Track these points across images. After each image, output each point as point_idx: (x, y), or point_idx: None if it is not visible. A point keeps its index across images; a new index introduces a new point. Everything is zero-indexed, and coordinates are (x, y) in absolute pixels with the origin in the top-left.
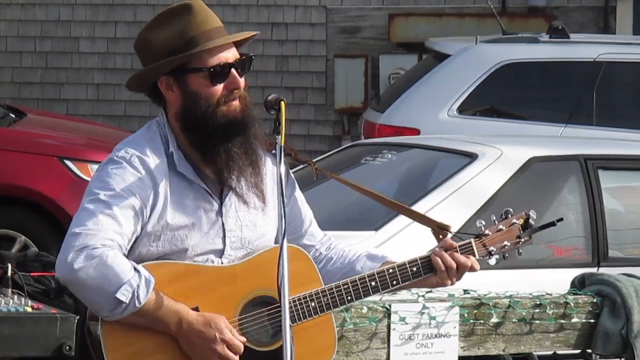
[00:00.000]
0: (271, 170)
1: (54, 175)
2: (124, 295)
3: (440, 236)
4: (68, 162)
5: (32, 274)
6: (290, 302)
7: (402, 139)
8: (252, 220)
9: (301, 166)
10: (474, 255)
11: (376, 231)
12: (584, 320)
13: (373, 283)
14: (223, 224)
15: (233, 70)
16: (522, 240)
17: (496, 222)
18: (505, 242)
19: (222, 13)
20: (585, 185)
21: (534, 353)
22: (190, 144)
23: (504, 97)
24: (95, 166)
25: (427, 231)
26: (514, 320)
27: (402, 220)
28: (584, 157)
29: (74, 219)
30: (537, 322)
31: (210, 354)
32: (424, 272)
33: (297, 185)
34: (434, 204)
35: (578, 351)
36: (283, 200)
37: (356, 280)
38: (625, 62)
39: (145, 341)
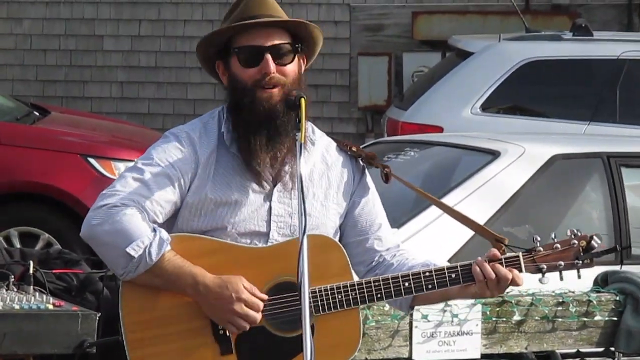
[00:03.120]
0: (341, 167)
1: (77, 173)
2: (134, 250)
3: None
4: (91, 160)
5: (54, 271)
6: (316, 292)
7: (425, 137)
8: (306, 210)
9: None
10: (520, 270)
11: (398, 228)
12: (606, 318)
13: (406, 284)
14: (270, 208)
15: (267, 55)
16: (581, 262)
17: (554, 240)
18: (560, 262)
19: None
20: (607, 182)
21: (557, 351)
22: (236, 128)
23: (527, 94)
24: (119, 164)
25: (448, 229)
26: (536, 318)
27: (424, 217)
28: (606, 155)
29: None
30: (560, 320)
31: (229, 314)
32: (463, 280)
33: (372, 189)
34: (456, 201)
35: (601, 349)
36: (303, 197)
37: (389, 279)
38: None
39: (161, 310)
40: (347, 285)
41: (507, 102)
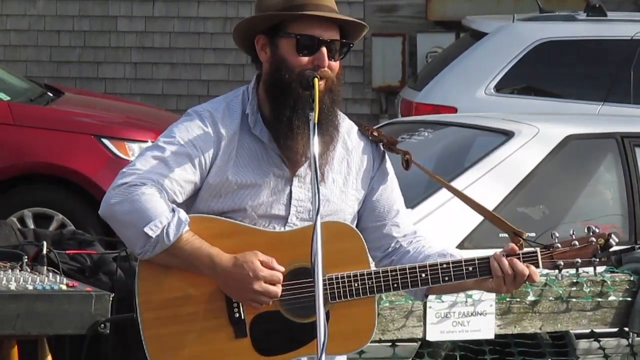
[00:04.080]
0: (361, 152)
1: (91, 154)
2: (152, 230)
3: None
4: (105, 141)
5: (67, 251)
6: (332, 279)
7: (439, 117)
8: (325, 195)
9: None
10: (538, 266)
11: (412, 209)
12: (620, 299)
13: (423, 275)
14: (291, 192)
15: (323, 48)
16: (598, 260)
17: (573, 236)
18: (577, 259)
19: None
20: (622, 163)
21: (571, 331)
22: (270, 108)
23: (541, 75)
24: (133, 144)
25: (461, 211)
26: (550, 298)
27: (437, 198)
28: (620, 135)
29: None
30: (574, 300)
31: (249, 293)
32: (480, 274)
33: (391, 174)
34: (470, 181)
35: (615, 329)
36: (317, 179)
37: (406, 269)
38: None
39: (177, 291)
40: (363, 274)
41: (521, 83)
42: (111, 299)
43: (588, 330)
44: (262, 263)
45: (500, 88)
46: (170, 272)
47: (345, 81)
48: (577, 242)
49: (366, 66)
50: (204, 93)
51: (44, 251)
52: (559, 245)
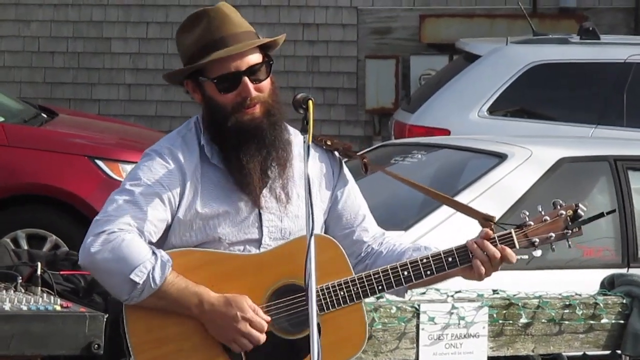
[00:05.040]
0: (318, 161)
1: (85, 175)
2: (137, 276)
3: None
4: (99, 162)
5: (61, 272)
6: (318, 291)
7: (432, 139)
8: (293, 212)
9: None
10: (515, 247)
11: (405, 231)
12: (613, 321)
13: (405, 273)
14: (260, 214)
15: (245, 78)
16: (570, 231)
17: (542, 213)
18: (551, 234)
19: (253, 14)
20: (615, 186)
21: (564, 354)
22: (217, 145)
23: (534, 98)
24: (127, 166)
25: (455, 232)
26: (543, 320)
27: (431, 220)
28: (613, 158)
29: (101, 209)
30: (567, 322)
31: (233, 333)
32: (461, 262)
33: (351, 180)
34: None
35: (607, 352)
36: (310, 199)
37: (387, 270)
38: None
39: (169, 327)
40: (347, 281)
41: (514, 105)
42: (105, 319)
43: (581, 353)
44: (250, 307)
45: (493, 110)
46: (158, 311)
47: (339, 103)
48: (547, 217)
49: (359, 88)
50: (197, 114)
51: (39, 272)
52: (532, 223)
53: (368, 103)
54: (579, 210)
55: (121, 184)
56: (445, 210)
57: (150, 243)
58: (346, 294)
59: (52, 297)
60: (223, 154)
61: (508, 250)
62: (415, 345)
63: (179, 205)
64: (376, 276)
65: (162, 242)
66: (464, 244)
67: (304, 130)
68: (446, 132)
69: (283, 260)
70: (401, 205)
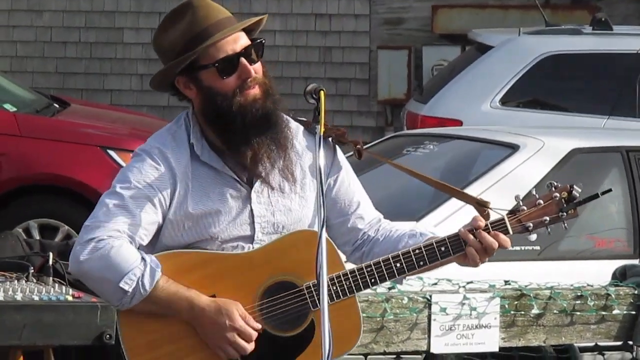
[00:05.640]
0: (311, 152)
1: (96, 165)
2: (127, 284)
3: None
4: (111, 152)
5: None
6: (310, 287)
7: (444, 130)
8: (286, 205)
9: (350, 153)
10: (507, 232)
11: (417, 222)
12: (625, 312)
13: (398, 265)
14: (252, 210)
15: (242, 59)
16: (565, 213)
17: (536, 196)
18: (545, 217)
19: (266, 5)
20: (627, 176)
21: (575, 344)
22: (216, 135)
23: (546, 88)
24: None
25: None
26: (554, 311)
27: (443, 211)
28: (626, 149)
29: (91, 213)
30: (578, 313)
31: (221, 341)
32: (454, 252)
33: (345, 167)
34: (475, 194)
35: (619, 343)
36: (322, 190)
37: (380, 263)
38: None
39: (161, 330)
40: (340, 276)
41: (527, 96)
42: (116, 309)
43: (592, 344)
44: (240, 316)
45: (505, 101)
46: (150, 314)
47: (351, 93)
48: (541, 201)
49: (372, 79)
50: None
51: (50, 262)
52: (525, 208)
53: (380, 94)
54: (574, 192)
55: (111, 186)
56: (455, 202)
57: (140, 246)
58: (339, 289)
59: (63, 287)
60: (221, 144)
61: (502, 236)
62: (426, 335)
63: (169, 206)
64: (368, 269)
65: (153, 243)
66: (456, 233)
67: (315, 121)
68: (458, 123)
69: (274, 257)
70: (413, 195)
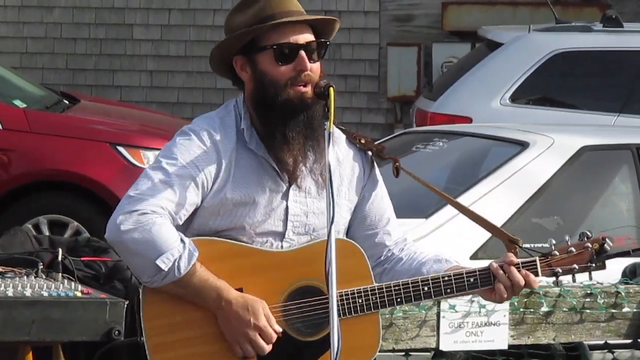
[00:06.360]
0: (351, 161)
1: (106, 162)
2: (164, 263)
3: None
4: (120, 149)
5: (82, 258)
6: (337, 296)
7: (454, 127)
8: (319, 208)
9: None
10: (537, 274)
11: (426, 219)
12: (635, 310)
13: (426, 288)
14: (287, 207)
15: (302, 52)
16: (594, 265)
17: (568, 242)
18: (575, 265)
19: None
20: (637, 174)
21: (585, 342)
22: (260, 123)
23: (556, 86)
24: (148, 152)
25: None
26: (564, 309)
27: (451, 208)
28: (636, 146)
29: (133, 183)
30: (588, 311)
31: (241, 337)
32: (482, 285)
33: (380, 182)
34: (484, 192)
35: (629, 341)
36: (331, 188)
37: (409, 283)
38: None
39: (181, 315)
40: (367, 290)
41: (537, 93)
42: (126, 306)
43: (602, 342)
44: (265, 315)
45: (515, 98)
46: (174, 297)
47: (360, 90)
48: (573, 249)
49: (381, 76)
50: (219, 101)
51: (59, 258)
52: (557, 253)
53: (390, 91)
54: (605, 245)
55: (157, 158)
56: (465, 199)
57: (177, 226)
58: (364, 303)
59: (72, 283)
60: (266, 133)
61: (532, 277)
62: (435, 333)
63: (210, 189)
64: (396, 288)
65: (187, 224)
66: (487, 267)
67: (325, 118)
68: (468, 120)
69: (307, 260)
70: (422, 193)
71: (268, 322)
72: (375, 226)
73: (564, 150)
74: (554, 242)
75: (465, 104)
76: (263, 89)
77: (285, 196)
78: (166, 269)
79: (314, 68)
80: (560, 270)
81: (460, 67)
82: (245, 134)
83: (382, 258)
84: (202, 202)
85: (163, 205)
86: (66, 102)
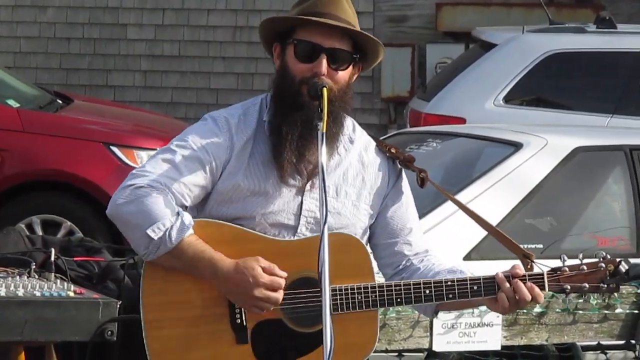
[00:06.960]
0: (377, 169)
1: (99, 161)
2: (154, 232)
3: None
4: (114, 148)
5: (75, 258)
6: (336, 290)
7: (448, 128)
8: (336, 208)
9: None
10: (543, 288)
11: (420, 219)
12: (627, 311)
13: (427, 291)
14: (302, 203)
15: (323, 55)
16: (606, 286)
17: (581, 261)
18: (585, 284)
19: (270, 2)
20: (630, 175)
21: (578, 343)
22: (280, 118)
23: (550, 87)
24: (142, 152)
25: (469, 222)
26: (557, 310)
27: (446, 208)
28: (629, 148)
29: None
30: (581, 312)
31: (250, 299)
32: (485, 293)
33: (406, 192)
34: (478, 192)
35: (622, 342)
36: (324, 189)
37: (410, 285)
38: None
39: (181, 294)
40: (367, 287)
41: (530, 94)
42: (118, 306)
43: (595, 343)
44: (263, 269)
45: (509, 99)
46: (174, 275)
47: (354, 90)
48: (585, 267)
49: (375, 76)
50: (212, 102)
51: (52, 258)
52: (567, 269)
53: (384, 91)
54: (620, 267)
55: (169, 142)
56: (462, 197)
57: (183, 206)
58: (363, 300)
59: (65, 283)
60: (284, 128)
61: (537, 290)
62: (429, 333)
63: (220, 175)
64: (397, 288)
65: (200, 209)
66: (492, 275)
67: (318, 119)
68: (462, 121)
69: (310, 252)
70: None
71: (270, 272)
72: (397, 235)
73: (558, 151)
74: (566, 258)
75: (459, 104)
76: (283, 81)
77: (301, 192)
78: (156, 238)
79: (337, 76)
80: (569, 287)
81: (454, 68)
82: (267, 126)
83: (400, 267)
84: (212, 186)
85: (162, 181)
86: (60, 101)
